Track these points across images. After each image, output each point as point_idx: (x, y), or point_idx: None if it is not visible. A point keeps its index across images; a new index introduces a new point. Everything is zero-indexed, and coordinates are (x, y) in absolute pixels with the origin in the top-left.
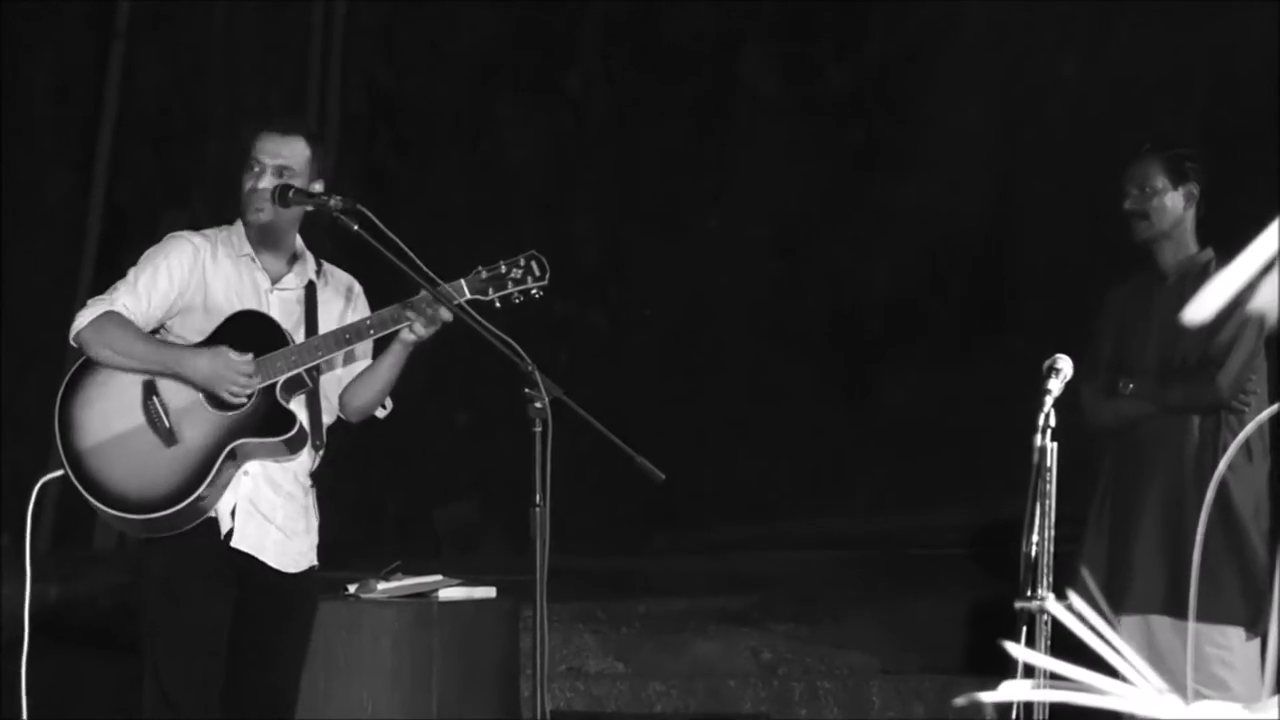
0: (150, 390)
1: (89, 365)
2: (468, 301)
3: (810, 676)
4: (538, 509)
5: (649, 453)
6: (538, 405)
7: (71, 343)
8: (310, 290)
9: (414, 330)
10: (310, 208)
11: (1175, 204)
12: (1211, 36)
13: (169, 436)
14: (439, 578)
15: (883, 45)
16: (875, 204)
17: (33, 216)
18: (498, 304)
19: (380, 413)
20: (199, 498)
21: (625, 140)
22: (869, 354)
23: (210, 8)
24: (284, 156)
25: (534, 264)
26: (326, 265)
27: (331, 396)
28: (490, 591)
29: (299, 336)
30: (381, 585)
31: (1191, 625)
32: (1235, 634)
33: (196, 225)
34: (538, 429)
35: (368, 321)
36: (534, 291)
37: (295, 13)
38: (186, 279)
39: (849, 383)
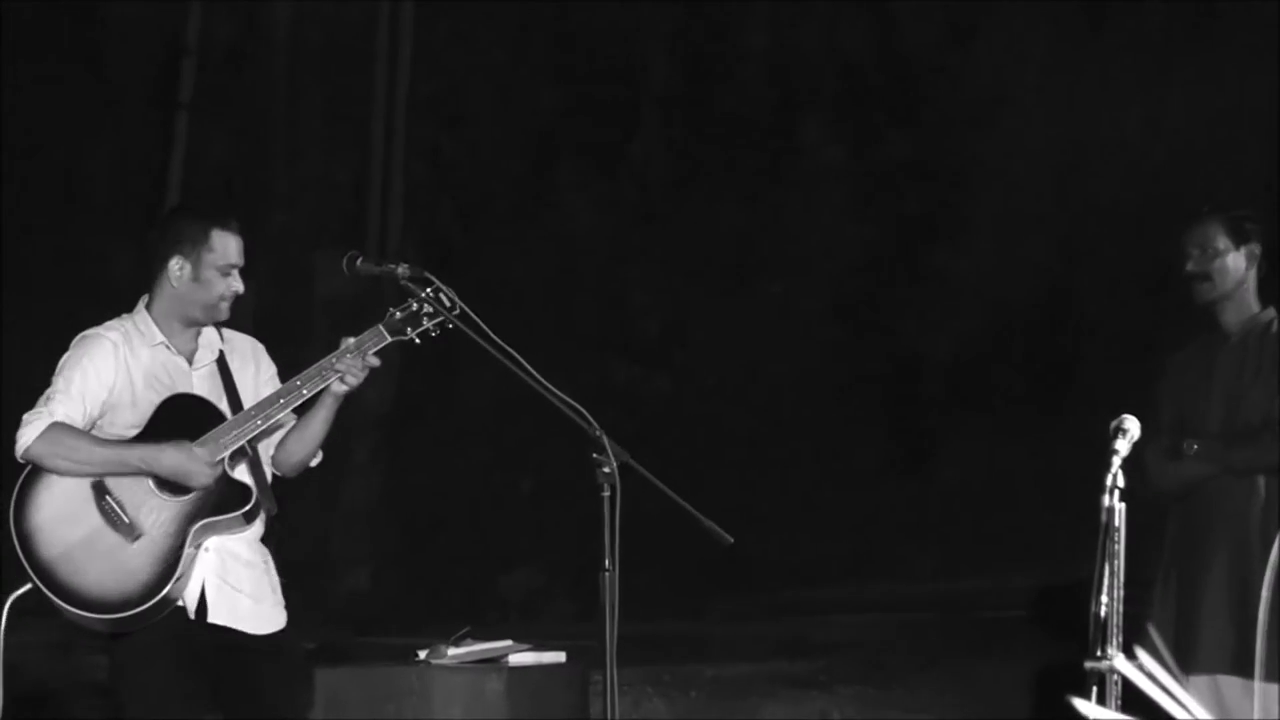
0: (101, 490)
1: (35, 475)
2: (389, 345)
3: None
4: (607, 574)
5: (714, 517)
6: (606, 470)
7: (20, 459)
8: (222, 361)
9: (345, 381)
10: (377, 275)
11: (1237, 265)
12: (1271, 94)
13: (130, 531)
14: (509, 643)
15: (941, 111)
16: (936, 269)
17: (99, 292)
18: (417, 340)
19: (314, 462)
20: (175, 583)
21: (686, 208)
22: (932, 418)
23: (272, 79)
24: (243, 255)
25: (443, 296)
26: (227, 331)
27: (264, 456)
28: (560, 656)
29: (223, 408)
30: (451, 651)
31: (1258, 685)
32: None
33: (262, 298)
34: (606, 494)
35: (298, 381)
36: (450, 324)
37: (357, 84)
38: (113, 377)
39: (912, 447)
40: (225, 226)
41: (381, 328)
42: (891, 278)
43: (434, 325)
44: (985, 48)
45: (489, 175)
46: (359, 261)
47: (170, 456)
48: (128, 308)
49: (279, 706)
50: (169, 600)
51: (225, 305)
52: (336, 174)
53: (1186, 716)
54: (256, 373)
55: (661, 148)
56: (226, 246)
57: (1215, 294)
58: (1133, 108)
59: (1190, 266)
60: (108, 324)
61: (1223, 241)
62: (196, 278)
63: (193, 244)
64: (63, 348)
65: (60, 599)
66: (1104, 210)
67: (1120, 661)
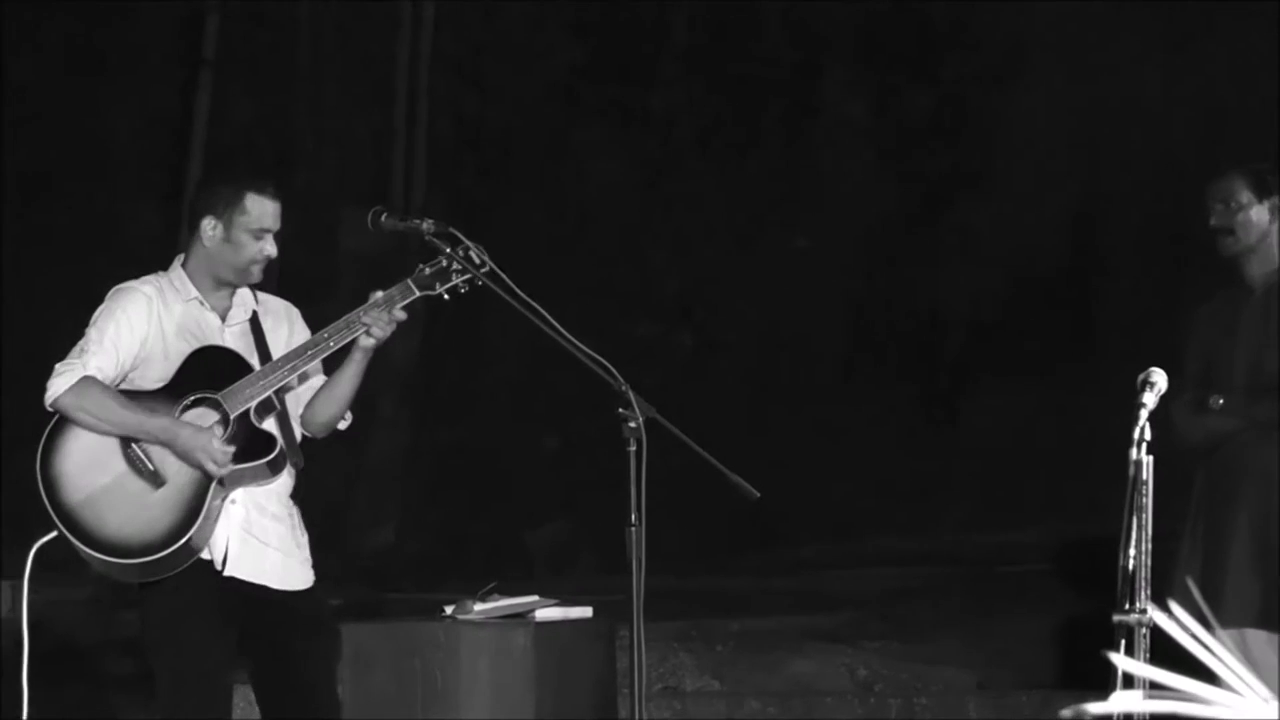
0: (127, 438)
1: (62, 422)
2: (416, 299)
3: (906, 693)
4: (633, 528)
5: (738, 472)
6: (632, 425)
7: (48, 408)
8: (255, 320)
9: (372, 334)
10: (402, 230)
11: (1261, 218)
12: None
13: (155, 478)
14: (535, 598)
15: (963, 68)
16: (958, 225)
17: (122, 249)
18: (446, 296)
19: (342, 425)
20: (196, 532)
21: (708, 164)
22: (955, 373)
23: (296, 36)
24: (279, 219)
25: (473, 253)
26: (261, 294)
27: (292, 414)
28: (586, 611)
29: (254, 363)
30: (478, 606)
31: None
32: None
33: (286, 256)
34: (632, 449)
35: (326, 333)
36: (478, 281)
37: (380, 43)
38: (146, 329)
39: (935, 402)
40: (260, 191)
41: (410, 282)
42: (914, 234)
43: (463, 282)
44: (1006, 5)
45: (512, 132)
46: (384, 217)
47: (188, 437)
48: (151, 264)
49: (306, 661)
50: (191, 548)
51: (257, 269)
52: (360, 131)
53: (1221, 668)
54: (290, 335)
55: (683, 104)
56: (261, 210)
57: (1239, 247)
58: (1153, 64)
59: (1214, 221)
60: (143, 278)
61: (1246, 195)
62: (228, 239)
63: (226, 205)
64: (85, 305)
65: (83, 543)
66: (1125, 166)
67: (1154, 612)
